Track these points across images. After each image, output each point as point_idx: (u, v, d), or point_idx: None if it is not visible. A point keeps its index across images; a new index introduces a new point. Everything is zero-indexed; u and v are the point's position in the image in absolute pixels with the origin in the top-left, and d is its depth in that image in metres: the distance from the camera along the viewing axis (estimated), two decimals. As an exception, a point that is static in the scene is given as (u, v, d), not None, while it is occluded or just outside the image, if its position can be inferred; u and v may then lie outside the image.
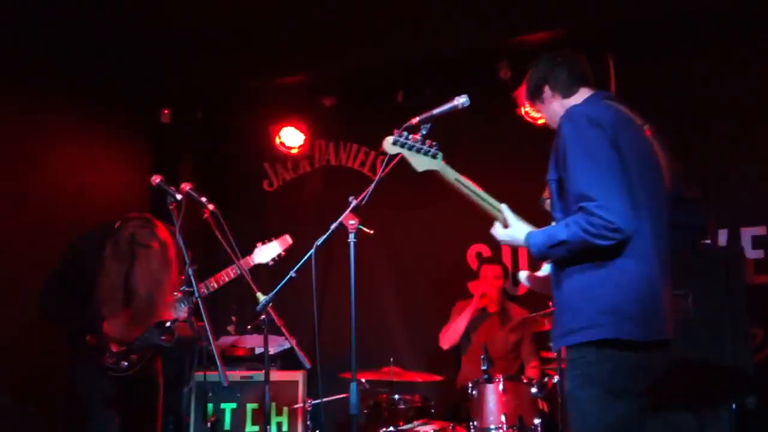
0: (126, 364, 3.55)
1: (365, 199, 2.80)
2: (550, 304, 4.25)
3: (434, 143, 2.53)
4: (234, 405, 4.84)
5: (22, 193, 4.66)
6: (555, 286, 2.53)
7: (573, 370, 2.44)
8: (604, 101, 2.58)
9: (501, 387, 4.16)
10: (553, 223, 2.56)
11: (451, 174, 2.57)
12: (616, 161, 2.36)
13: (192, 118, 6.14)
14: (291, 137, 6.09)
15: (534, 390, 4.20)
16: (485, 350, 4.30)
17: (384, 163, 2.73)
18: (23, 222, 4.62)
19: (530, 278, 2.80)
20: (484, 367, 4.20)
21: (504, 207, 2.60)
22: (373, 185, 2.78)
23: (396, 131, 2.54)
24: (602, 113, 2.46)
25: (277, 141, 6.11)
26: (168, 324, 3.27)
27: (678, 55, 5.08)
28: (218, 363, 2.97)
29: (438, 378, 5.05)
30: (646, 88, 4.86)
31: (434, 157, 2.54)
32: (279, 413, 4.81)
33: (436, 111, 2.66)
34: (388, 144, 2.54)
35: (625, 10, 4.73)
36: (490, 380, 4.20)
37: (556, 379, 4.21)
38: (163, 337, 3.35)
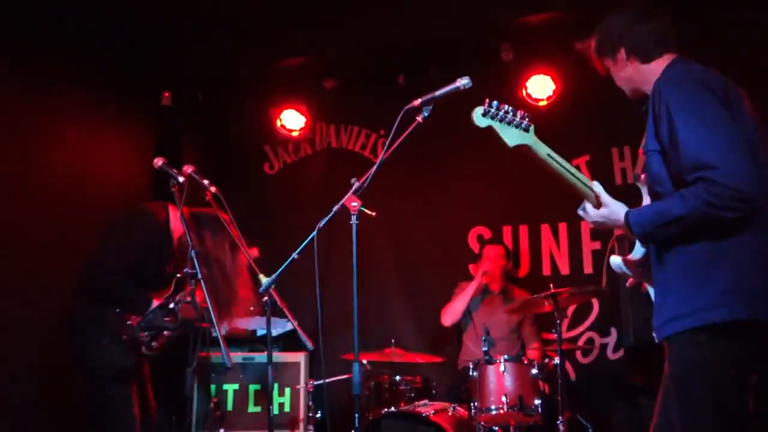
0: (155, 344, 3.56)
1: (367, 181, 2.80)
2: (551, 286, 4.29)
3: (526, 115, 2.28)
4: (236, 386, 4.88)
5: (23, 175, 4.65)
6: (659, 267, 2.27)
7: (684, 358, 2.15)
8: (697, 65, 2.31)
9: (502, 368, 4.19)
10: (645, 200, 2.37)
11: (543, 149, 2.31)
12: (734, 127, 2.12)
13: (193, 100, 6.12)
14: (292, 120, 6.08)
15: (534, 371, 4.23)
16: (486, 331, 4.32)
17: (386, 146, 2.73)
18: (25, 203, 4.62)
19: (627, 264, 2.46)
20: (485, 348, 4.22)
21: (596, 185, 2.36)
22: (375, 167, 2.78)
23: (487, 101, 2.26)
24: (707, 74, 2.23)
25: (278, 124, 6.10)
26: (171, 305, 3.29)
27: (694, 33, 4.98)
28: (222, 344, 2.99)
29: (439, 359, 5.09)
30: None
31: (526, 130, 2.28)
32: (281, 394, 4.85)
33: (438, 93, 2.65)
34: (478, 115, 2.26)
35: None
36: (490, 361, 4.22)
37: (556, 360, 4.24)
38: (167, 318, 3.37)
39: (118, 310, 3.55)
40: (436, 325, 5.43)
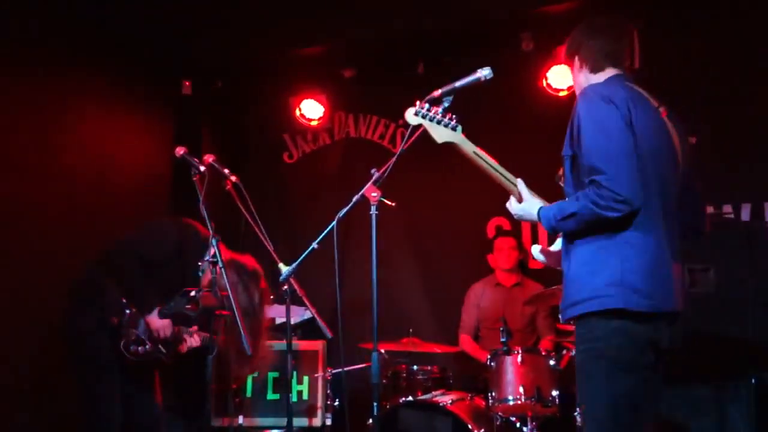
0: (139, 349, 3.65)
1: (387, 172, 2.81)
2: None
3: (454, 116, 2.59)
4: (255, 373, 4.92)
5: (44, 164, 4.72)
6: (564, 260, 2.58)
7: (580, 344, 2.49)
8: (623, 83, 2.61)
9: (519, 359, 4.19)
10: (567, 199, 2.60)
11: (469, 147, 2.62)
12: (627, 138, 2.40)
13: (212, 90, 6.15)
14: (311, 109, 6.09)
15: (552, 362, 4.23)
16: (504, 322, 4.32)
17: (406, 136, 2.74)
18: (47, 192, 4.69)
19: (543, 252, 2.83)
20: (503, 339, 4.23)
21: (519, 182, 2.65)
22: (395, 157, 2.79)
23: (419, 103, 2.60)
24: (617, 92, 2.50)
25: (297, 113, 6.11)
26: (193, 293, 3.33)
27: (706, 24, 4.97)
28: (241, 332, 3.02)
29: (456, 349, 5.10)
30: (671, 60, 4.79)
31: (454, 129, 2.60)
32: (300, 382, 4.89)
33: (458, 83, 2.65)
34: (410, 115, 2.61)
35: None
36: (508, 352, 4.22)
37: (574, 352, 4.23)
38: (189, 306, 3.41)
39: (124, 300, 3.62)
40: (454, 315, 5.44)
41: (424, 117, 2.59)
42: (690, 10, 4.90)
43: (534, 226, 5.55)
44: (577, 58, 2.74)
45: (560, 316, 2.58)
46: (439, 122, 2.59)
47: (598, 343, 2.41)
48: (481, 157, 2.61)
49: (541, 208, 2.58)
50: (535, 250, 2.85)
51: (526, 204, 2.63)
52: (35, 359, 4.40)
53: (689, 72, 4.83)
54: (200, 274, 3.70)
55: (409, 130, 2.72)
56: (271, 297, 3.89)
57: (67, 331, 3.65)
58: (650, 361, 2.44)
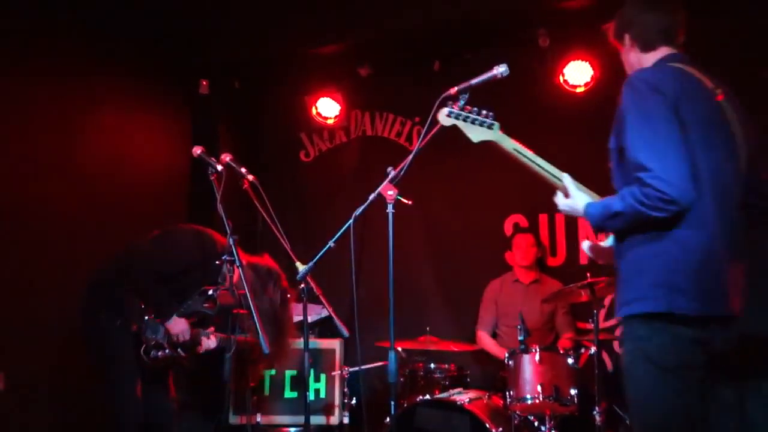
0: (159, 354, 3.70)
1: (404, 170, 2.80)
2: (588, 275, 4.25)
3: (490, 113, 2.50)
4: (273, 371, 4.94)
5: (63, 162, 4.77)
6: (616, 257, 2.46)
7: (626, 345, 2.37)
8: (674, 65, 2.43)
9: (537, 357, 4.17)
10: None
11: (509, 144, 2.52)
12: (675, 132, 2.25)
13: (229, 89, 6.17)
14: (327, 108, 6.10)
15: (570, 361, 4.20)
16: (522, 320, 4.31)
17: (422, 134, 2.73)
18: (65, 190, 4.74)
19: (592, 248, 2.69)
20: (520, 338, 4.21)
21: (565, 176, 2.53)
22: (411, 156, 2.78)
23: (451, 104, 2.51)
24: (665, 78, 2.35)
25: (314, 111, 6.12)
26: (210, 292, 3.35)
27: (736, 15, 4.86)
28: (259, 330, 3.03)
29: (474, 347, 5.08)
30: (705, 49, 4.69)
31: (490, 127, 2.51)
32: (317, 380, 4.90)
33: (474, 81, 2.63)
34: (443, 116, 2.52)
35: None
36: (526, 350, 4.21)
37: (593, 350, 4.20)
38: (206, 305, 3.43)
39: (143, 305, 3.67)
40: (471, 314, 5.42)
41: (457, 118, 2.50)
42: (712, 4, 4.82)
43: (552, 223, 5.53)
44: (627, 36, 2.58)
45: (615, 316, 2.47)
46: (474, 121, 2.50)
47: (642, 344, 2.29)
48: (522, 153, 2.51)
49: (587, 204, 2.45)
50: (585, 245, 2.73)
51: (572, 200, 2.50)
52: (54, 359, 4.45)
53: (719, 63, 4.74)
54: (220, 280, 3.73)
55: (426, 128, 2.71)
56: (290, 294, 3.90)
57: (88, 331, 3.69)
58: (700, 362, 2.28)
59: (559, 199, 2.57)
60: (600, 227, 2.45)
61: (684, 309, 2.23)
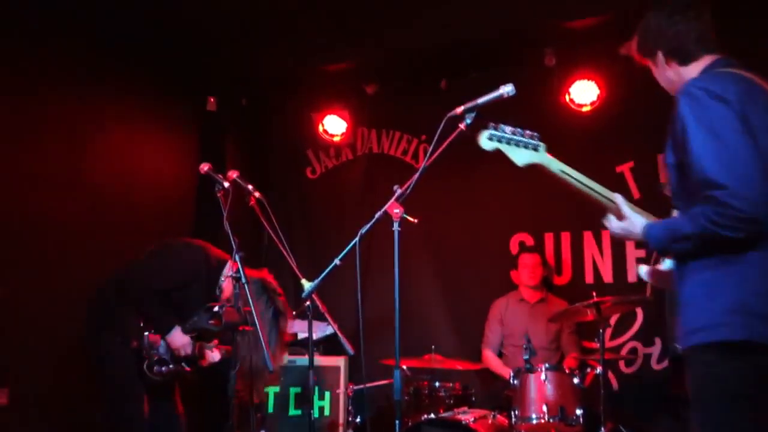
0: (163, 369, 3.70)
1: (410, 188, 2.80)
2: (594, 294, 4.23)
3: (535, 134, 2.32)
4: (277, 389, 4.92)
5: (70, 177, 4.79)
6: (678, 281, 2.26)
7: (698, 372, 2.17)
8: (728, 70, 2.26)
9: (543, 377, 4.14)
10: (674, 212, 2.34)
11: (555, 166, 2.33)
12: (747, 142, 2.06)
13: (237, 106, 6.22)
14: (334, 125, 6.12)
15: (576, 380, 4.18)
16: (527, 339, 4.29)
17: (429, 152, 2.73)
18: (72, 205, 4.75)
19: (651, 273, 2.51)
20: (526, 357, 4.19)
21: (618, 197, 2.34)
22: (417, 174, 2.78)
23: (491, 124, 2.30)
24: (726, 85, 2.16)
25: (320, 128, 6.15)
26: (216, 309, 3.35)
27: (734, 39, 4.89)
28: (264, 347, 3.02)
29: (479, 366, 5.06)
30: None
31: (536, 149, 2.32)
32: (321, 398, 4.88)
33: (480, 100, 2.62)
34: (484, 140, 2.31)
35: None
36: (531, 370, 4.18)
37: (599, 370, 4.18)
38: (212, 321, 3.43)
39: (141, 323, 3.69)
40: (477, 332, 5.40)
41: (500, 141, 2.29)
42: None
43: (557, 242, 5.52)
44: (660, 52, 2.39)
45: (677, 345, 2.27)
46: (518, 144, 2.30)
47: (716, 370, 2.10)
48: (570, 175, 2.32)
49: (647, 226, 2.26)
50: (643, 271, 2.54)
51: (628, 222, 2.31)
52: (58, 375, 4.43)
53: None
54: (218, 292, 3.74)
55: (432, 146, 2.70)
56: (294, 313, 3.90)
57: (89, 351, 3.71)
58: None
59: (612, 222, 2.38)
60: (664, 250, 2.29)
61: (764, 336, 2.05)
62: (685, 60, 2.36)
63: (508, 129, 2.29)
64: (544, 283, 5.32)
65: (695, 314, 2.17)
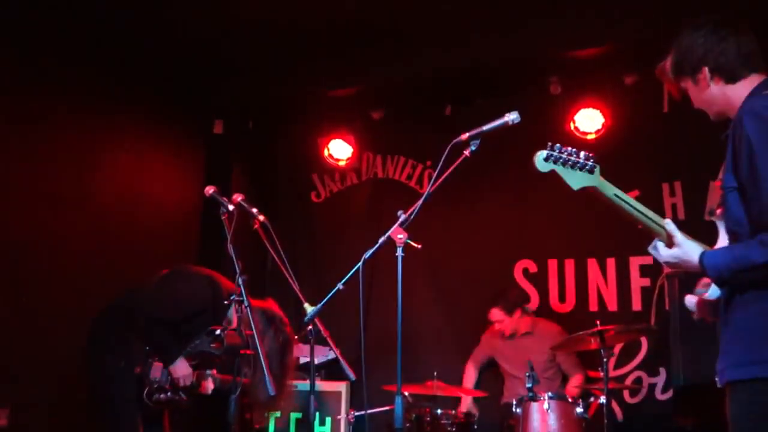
0: (161, 397, 3.71)
1: (414, 214, 2.80)
2: (598, 323, 4.20)
3: (590, 155, 2.18)
4: (278, 414, 4.88)
5: (77, 199, 4.82)
6: (730, 310, 2.16)
7: (745, 413, 2.06)
8: None
9: (546, 405, 4.11)
10: (721, 239, 2.26)
11: (609, 190, 2.20)
12: None
13: (243, 129, 6.26)
14: (339, 149, 6.15)
15: (579, 410, 4.14)
16: (530, 367, 4.26)
17: (434, 178, 2.74)
18: (78, 227, 4.78)
19: (700, 305, 2.37)
20: (528, 385, 4.16)
21: (668, 223, 2.21)
22: (422, 200, 2.78)
23: (550, 144, 2.17)
24: None
25: (326, 153, 6.18)
26: (218, 332, 3.35)
27: None
28: (265, 371, 3.01)
29: (481, 394, 5.02)
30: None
31: (591, 172, 2.17)
32: (322, 423, 4.84)
33: (485, 127, 2.64)
34: (540, 161, 2.17)
35: (680, 25, 4.65)
36: (534, 398, 4.15)
37: (602, 399, 4.14)
38: (213, 345, 3.42)
39: (147, 348, 3.70)
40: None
41: (556, 162, 2.15)
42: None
43: (561, 269, 5.50)
44: (706, 69, 2.26)
45: (717, 378, 2.16)
46: (573, 165, 2.16)
47: (762, 412, 2.00)
48: (623, 200, 2.20)
49: (704, 254, 2.13)
50: (691, 302, 2.39)
51: (680, 249, 2.17)
52: (58, 397, 4.41)
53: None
54: (225, 324, 3.74)
55: (437, 172, 2.71)
56: (296, 337, 3.89)
57: (91, 372, 3.72)
58: None
59: (660, 250, 2.23)
60: (726, 280, 2.13)
61: None
62: (732, 78, 2.25)
63: (566, 150, 2.17)
64: (524, 312, 5.22)
65: (746, 347, 2.06)
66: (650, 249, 2.27)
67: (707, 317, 2.37)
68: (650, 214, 2.21)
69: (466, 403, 5.06)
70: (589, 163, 2.16)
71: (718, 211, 2.27)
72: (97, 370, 3.69)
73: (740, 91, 2.23)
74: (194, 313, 3.71)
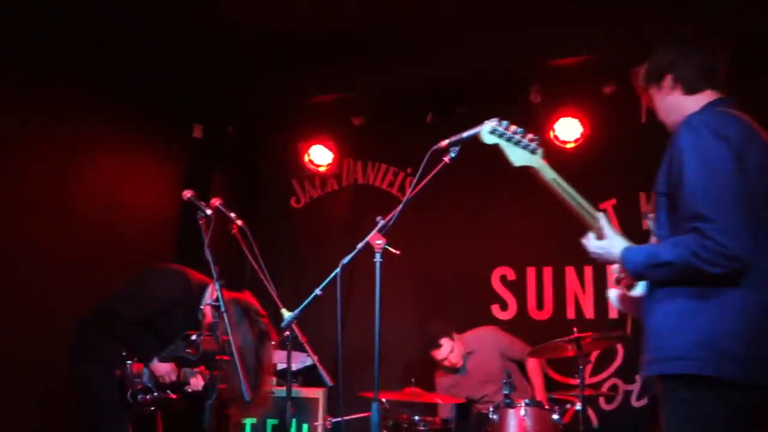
0: (147, 397, 3.68)
1: (393, 220, 2.81)
2: (575, 330, 4.23)
3: (535, 137, 2.32)
4: (254, 420, 4.85)
5: (54, 203, 4.76)
6: (647, 308, 2.27)
7: (668, 405, 2.17)
8: (729, 110, 2.29)
9: (522, 412, 4.12)
10: (652, 240, 2.36)
11: (549, 173, 2.34)
12: (740, 182, 2.10)
13: (224, 134, 6.22)
14: (320, 155, 6.14)
15: (555, 417, 4.16)
16: (507, 374, 4.28)
17: (413, 185, 2.74)
18: (61, 231, 4.72)
19: (621, 299, 2.51)
20: (505, 392, 4.17)
21: (601, 216, 2.35)
22: (401, 206, 2.79)
23: (497, 119, 2.31)
24: (728, 124, 2.20)
25: (306, 158, 6.16)
26: (194, 337, 3.31)
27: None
28: (241, 377, 2.99)
29: (459, 401, 5.02)
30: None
31: (533, 152, 2.32)
32: (299, 430, 4.81)
33: (465, 134, 2.64)
34: (485, 132, 2.31)
35: (659, 35, 4.71)
36: (511, 405, 4.16)
37: (578, 406, 4.16)
38: (189, 350, 3.38)
39: (124, 353, 3.67)
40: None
41: (500, 136, 2.30)
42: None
43: (539, 276, 5.53)
44: (669, 77, 2.40)
45: (642, 372, 2.30)
46: (517, 143, 2.30)
47: (687, 407, 2.10)
48: (561, 186, 2.33)
49: (626, 249, 2.27)
50: (612, 295, 2.54)
51: (607, 242, 2.32)
52: (39, 403, 4.36)
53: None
54: (200, 317, 3.71)
55: (416, 179, 2.73)
56: (274, 330, 3.86)
57: (73, 382, 3.69)
58: (751, 423, 2.10)
59: (591, 241, 2.38)
60: (640, 274, 2.28)
61: (733, 376, 2.04)
62: (690, 89, 2.38)
63: (512, 127, 2.30)
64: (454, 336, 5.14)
65: (662, 344, 2.17)
66: (583, 240, 2.41)
67: (633, 313, 2.49)
68: (586, 205, 2.34)
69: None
70: (533, 144, 2.31)
71: (651, 215, 2.39)
72: (78, 379, 3.67)
73: (694, 104, 2.35)
74: (166, 308, 3.70)
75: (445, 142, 2.66)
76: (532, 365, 5.07)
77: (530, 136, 2.31)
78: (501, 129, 2.30)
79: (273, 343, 3.74)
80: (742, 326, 2.07)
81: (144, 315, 3.66)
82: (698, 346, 2.08)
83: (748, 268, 2.06)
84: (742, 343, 2.06)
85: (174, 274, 3.82)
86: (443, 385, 5.18)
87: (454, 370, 5.11)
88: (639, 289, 2.42)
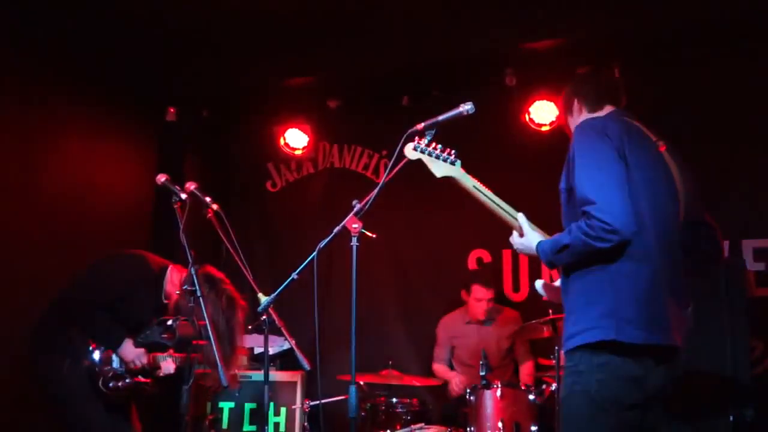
0: (119, 384, 3.63)
1: (369, 204, 2.81)
2: (550, 311, 4.28)
3: (453, 151, 2.63)
4: (232, 404, 4.86)
5: (26, 188, 4.68)
6: (563, 291, 2.57)
7: (566, 378, 2.47)
8: (619, 117, 2.66)
9: (499, 393, 4.17)
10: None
11: (468, 182, 2.64)
12: (618, 169, 2.43)
13: (197, 117, 6.15)
14: (295, 138, 6.10)
15: (532, 397, 4.21)
16: (484, 355, 4.31)
17: (388, 168, 2.75)
18: (27, 217, 4.64)
19: (545, 287, 2.83)
20: (482, 372, 4.21)
21: (520, 216, 2.66)
22: (377, 189, 2.80)
23: (417, 138, 2.65)
24: (612, 125, 2.54)
25: (282, 142, 6.12)
26: (170, 322, 3.30)
27: (683, 65, 5.10)
28: (218, 362, 2.98)
29: (436, 383, 5.07)
30: (651, 97, 4.86)
31: (453, 164, 2.63)
32: (277, 413, 4.83)
33: (441, 117, 2.68)
34: (409, 150, 2.63)
35: (633, 19, 4.75)
36: (488, 386, 4.21)
37: (554, 386, 4.22)
38: (165, 335, 3.37)
39: (89, 338, 3.61)
40: (434, 348, 5.41)
41: (422, 152, 2.62)
42: (668, 48, 5.00)
43: (515, 259, 5.57)
44: (576, 101, 2.82)
45: (563, 348, 2.53)
46: (437, 157, 2.61)
47: (581, 378, 2.38)
48: (481, 192, 2.64)
49: (539, 242, 2.58)
50: (538, 284, 2.86)
51: (526, 238, 2.64)
52: (8, 393, 4.29)
53: (668, 108, 4.92)
54: (164, 299, 3.69)
55: (392, 162, 2.74)
56: (246, 323, 3.86)
57: (39, 379, 3.61)
58: (639, 401, 2.38)
59: (515, 238, 2.70)
60: (550, 262, 2.56)
61: (631, 337, 2.33)
62: (592, 108, 2.78)
63: (431, 145, 2.63)
64: (492, 304, 5.24)
65: (574, 320, 2.45)
66: (510, 238, 2.73)
67: (556, 300, 2.74)
68: (506, 207, 2.66)
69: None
70: (451, 157, 2.62)
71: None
72: (43, 373, 3.58)
73: (596, 116, 2.72)
74: (128, 292, 3.65)
75: (420, 126, 2.69)
76: (522, 350, 5.17)
77: (448, 150, 2.63)
78: (422, 146, 2.62)
79: (242, 305, 3.73)
80: (635, 293, 2.38)
81: (105, 300, 3.60)
82: (604, 315, 2.37)
83: (632, 242, 2.36)
84: (637, 309, 2.36)
85: (130, 257, 3.79)
86: (449, 332, 5.28)
87: (465, 321, 5.22)
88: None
